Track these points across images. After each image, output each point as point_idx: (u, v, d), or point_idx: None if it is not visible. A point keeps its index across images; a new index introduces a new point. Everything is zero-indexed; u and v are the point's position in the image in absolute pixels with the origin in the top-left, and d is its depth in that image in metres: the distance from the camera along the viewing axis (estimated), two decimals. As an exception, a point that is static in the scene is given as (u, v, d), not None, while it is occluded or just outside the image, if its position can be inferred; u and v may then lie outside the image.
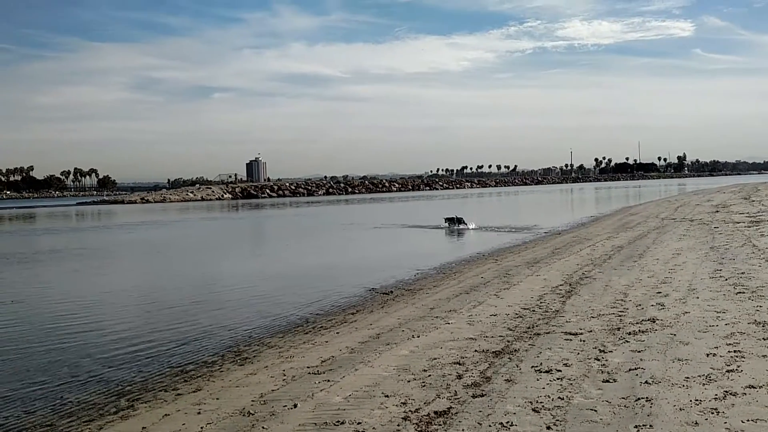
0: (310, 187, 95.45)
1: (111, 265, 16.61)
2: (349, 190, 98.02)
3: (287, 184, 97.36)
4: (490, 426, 3.73)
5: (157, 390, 5.54)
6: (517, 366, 4.94)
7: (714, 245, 11.68)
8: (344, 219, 35.64)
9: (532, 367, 4.88)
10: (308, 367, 5.44)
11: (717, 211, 21.09)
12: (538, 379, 4.56)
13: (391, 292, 9.74)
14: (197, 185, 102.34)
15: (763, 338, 5.06)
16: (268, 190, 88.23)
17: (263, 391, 4.84)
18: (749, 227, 14.60)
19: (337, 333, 6.93)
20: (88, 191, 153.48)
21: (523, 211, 38.65)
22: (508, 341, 5.76)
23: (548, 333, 5.95)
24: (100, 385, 5.90)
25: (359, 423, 3.97)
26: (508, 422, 3.76)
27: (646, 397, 3.96)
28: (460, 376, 4.77)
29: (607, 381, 4.39)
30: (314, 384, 4.90)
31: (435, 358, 5.33)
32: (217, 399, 4.85)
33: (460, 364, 5.11)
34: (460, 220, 22.60)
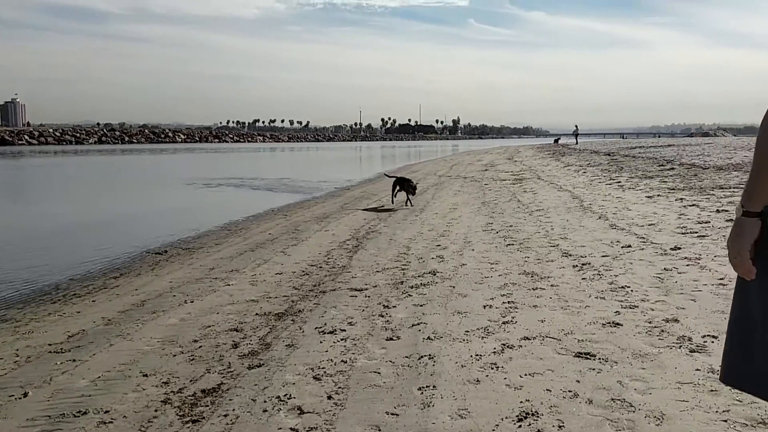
0: (78, 135, 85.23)
1: None
2: (126, 139, 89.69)
3: (51, 131, 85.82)
4: (265, 401, 3.28)
5: None
6: (300, 328, 4.56)
7: (485, 200, 12.54)
8: (120, 170, 32.41)
9: (316, 328, 4.53)
10: (50, 345, 4.48)
11: (486, 170, 23.02)
12: (321, 342, 4.22)
13: (166, 251, 8.76)
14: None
15: (533, 288, 5.31)
16: (26, 137, 76.86)
17: (-18, 381, 3.83)
18: (514, 184, 16.05)
19: (93, 301, 5.93)
20: None
21: (315, 166, 38.72)
22: (293, 301, 5.37)
23: (334, 290, 5.67)
24: None
25: (106, 412, 3.26)
26: (286, 395, 3.34)
27: (429, 354, 3.83)
28: (236, 345, 4.25)
29: (391, 339, 4.20)
30: (55, 365, 4.01)
31: (209, 326, 4.73)
32: None
33: (237, 331, 4.58)
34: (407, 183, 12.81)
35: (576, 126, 57.38)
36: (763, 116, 1.53)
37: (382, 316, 4.74)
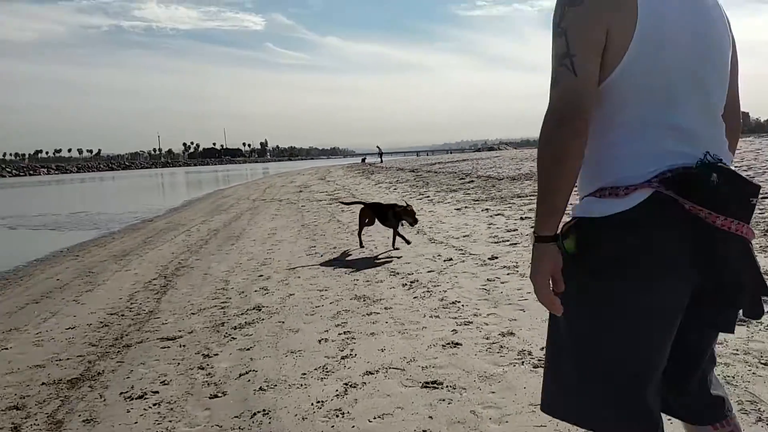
0: None
1: None
2: None
3: None
4: None
5: None
6: (101, 396, 3.76)
7: (304, 223, 12.19)
8: None
9: (121, 393, 3.77)
10: None
11: (301, 191, 22.77)
12: (128, 411, 3.49)
13: None
14: None
15: (367, 314, 5.02)
16: None
17: None
18: (330, 204, 15.94)
19: None
20: None
21: (111, 197, 35.38)
22: (90, 362, 4.48)
23: (141, 342, 4.87)
24: None
25: None
26: (84, 494, 2.62)
27: (263, 410, 3.32)
28: (17, 429, 3.35)
29: (216, 396, 3.61)
30: None
31: (-24, 409, 3.71)
32: None
33: (18, 409, 3.65)
34: None
35: (378, 147, 61.52)
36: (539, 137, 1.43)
37: (203, 369, 4.11)
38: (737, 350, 3.49)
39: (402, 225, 8.23)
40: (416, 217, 8.15)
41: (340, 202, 10.36)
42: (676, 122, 1.43)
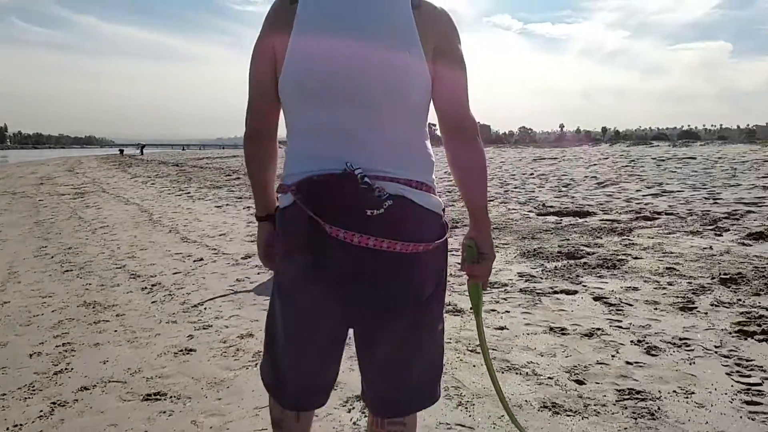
0: None
1: None
2: None
3: None
4: None
5: None
6: None
7: (39, 220, 10.77)
8: None
9: None
10: None
11: (42, 184, 20.18)
12: None
13: None
14: None
15: (94, 322, 4.54)
16: None
17: None
18: (74, 199, 14.35)
19: None
20: None
21: None
22: None
23: None
24: None
25: None
26: None
27: (-58, 443, 2.79)
28: None
29: None
30: None
31: None
32: None
33: None
34: None
35: (138, 144, 61.33)
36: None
37: None
38: (450, 339, 3.87)
39: None
40: None
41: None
42: (329, 130, 1.50)
